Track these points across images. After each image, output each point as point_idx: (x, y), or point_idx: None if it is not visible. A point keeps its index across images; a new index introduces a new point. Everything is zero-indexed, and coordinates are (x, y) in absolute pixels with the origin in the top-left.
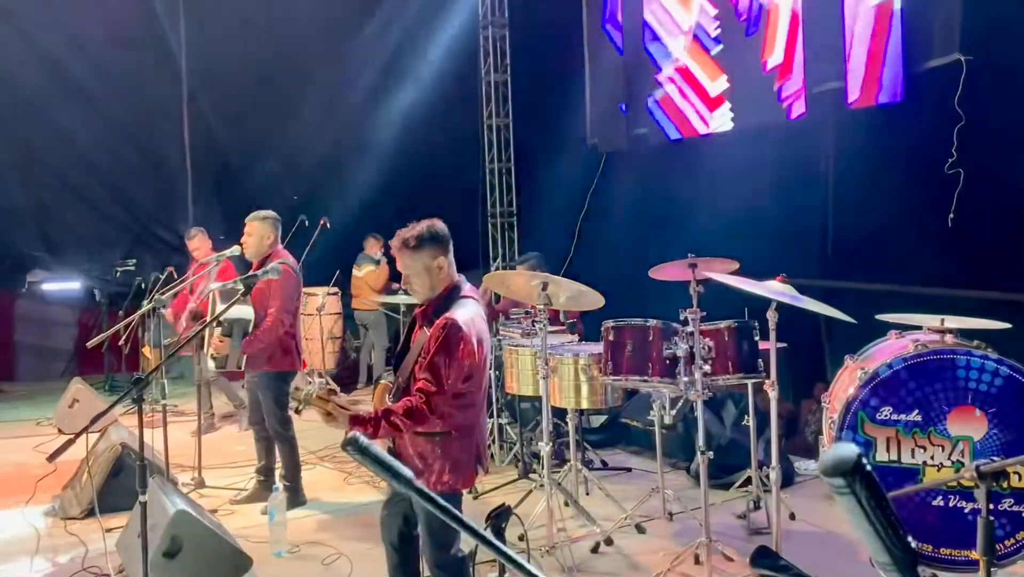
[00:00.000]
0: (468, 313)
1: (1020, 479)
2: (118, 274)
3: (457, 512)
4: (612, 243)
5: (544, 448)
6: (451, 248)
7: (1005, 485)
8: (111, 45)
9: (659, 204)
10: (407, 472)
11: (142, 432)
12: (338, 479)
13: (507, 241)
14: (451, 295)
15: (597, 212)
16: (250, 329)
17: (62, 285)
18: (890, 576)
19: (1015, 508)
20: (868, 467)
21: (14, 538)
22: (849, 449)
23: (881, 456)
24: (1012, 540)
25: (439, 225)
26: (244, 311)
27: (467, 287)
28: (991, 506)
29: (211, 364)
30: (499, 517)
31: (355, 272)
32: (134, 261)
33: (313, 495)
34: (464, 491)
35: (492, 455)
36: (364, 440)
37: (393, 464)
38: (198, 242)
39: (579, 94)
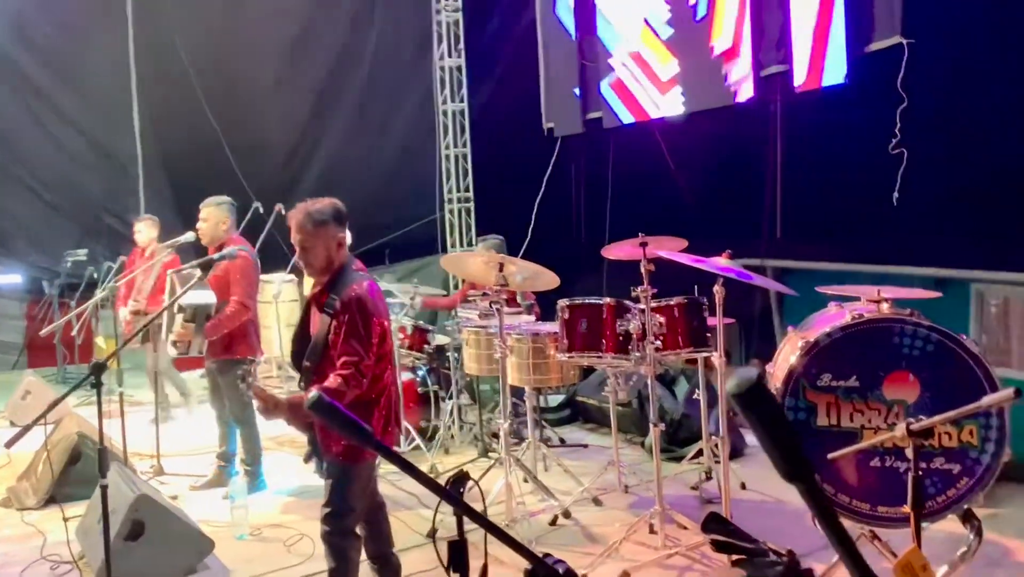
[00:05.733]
0: (365, 284)
1: (950, 439)
2: (69, 265)
3: (416, 466)
4: (568, 225)
5: (503, 425)
6: (342, 234)
7: (935, 444)
8: (57, 31)
9: (613, 186)
10: (368, 428)
11: (101, 417)
12: (298, 464)
13: (464, 226)
14: (344, 271)
15: (553, 195)
16: (213, 314)
17: (9, 277)
18: (793, 485)
19: (945, 466)
20: (767, 389)
21: None
22: (750, 372)
23: (822, 421)
24: (943, 497)
25: (340, 204)
26: (207, 296)
27: (357, 263)
28: (924, 465)
29: (172, 351)
30: (456, 483)
31: None
32: (85, 251)
33: (273, 480)
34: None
35: (452, 436)
36: (327, 399)
37: (356, 421)
38: (146, 231)
39: (534, 78)
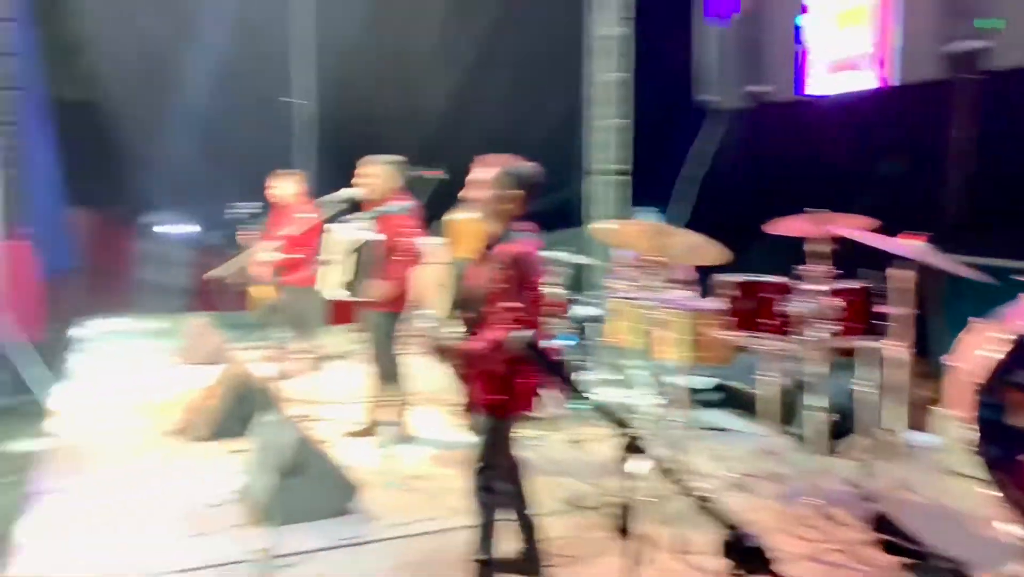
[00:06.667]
0: (529, 243)
1: None
2: (241, 215)
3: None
4: (721, 201)
5: (655, 402)
6: (532, 199)
7: None
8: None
9: (776, 163)
10: (570, 373)
11: (275, 359)
12: (447, 418)
13: (615, 198)
14: (511, 229)
15: (713, 171)
16: (376, 254)
17: (180, 228)
18: None
19: None
20: None
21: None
22: None
23: (1016, 419)
24: None
25: (540, 175)
26: (372, 235)
27: (524, 224)
28: None
29: (343, 293)
30: (634, 448)
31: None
32: (260, 204)
33: (422, 433)
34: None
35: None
36: (537, 338)
37: (560, 365)
38: (286, 187)
39: (690, 49)
